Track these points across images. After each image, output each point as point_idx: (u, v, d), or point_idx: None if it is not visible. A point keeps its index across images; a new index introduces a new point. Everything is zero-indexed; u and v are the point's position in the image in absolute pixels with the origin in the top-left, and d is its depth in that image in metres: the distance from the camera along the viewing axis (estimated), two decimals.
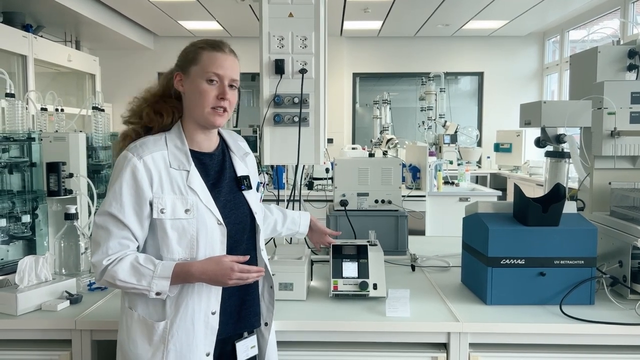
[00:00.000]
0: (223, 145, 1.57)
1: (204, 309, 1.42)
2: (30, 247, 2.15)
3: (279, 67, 2.21)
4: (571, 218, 1.87)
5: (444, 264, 2.35)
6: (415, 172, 5.26)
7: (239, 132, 2.94)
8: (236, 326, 1.51)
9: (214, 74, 1.41)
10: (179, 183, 1.41)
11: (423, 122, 7.60)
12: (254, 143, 4.85)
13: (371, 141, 7.32)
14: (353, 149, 6.78)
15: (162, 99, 1.50)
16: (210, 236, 1.41)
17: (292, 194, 2.41)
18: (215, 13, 7.19)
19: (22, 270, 1.79)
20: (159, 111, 1.49)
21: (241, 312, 1.51)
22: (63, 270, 2.05)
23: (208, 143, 1.51)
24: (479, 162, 8.07)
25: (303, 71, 2.22)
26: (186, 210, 1.39)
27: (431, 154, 5.88)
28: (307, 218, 1.92)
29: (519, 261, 1.80)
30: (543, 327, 1.67)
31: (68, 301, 1.81)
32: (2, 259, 2.05)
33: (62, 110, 2.77)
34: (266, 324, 1.58)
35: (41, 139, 2.26)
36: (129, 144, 1.44)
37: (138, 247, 1.43)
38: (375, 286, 1.87)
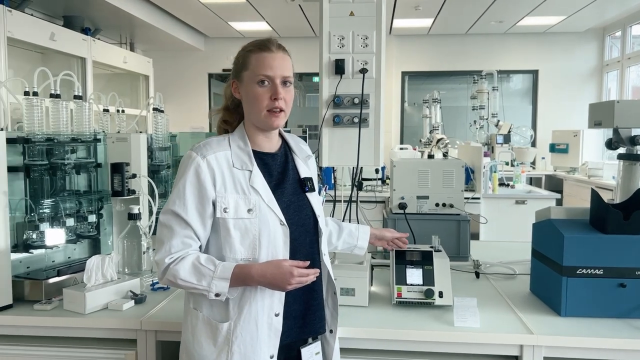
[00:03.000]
0: (285, 146, 1.55)
1: (267, 310, 1.40)
2: (95, 246, 2.19)
3: (339, 67, 2.17)
4: None
5: (510, 271, 2.25)
6: (468, 173, 5.13)
7: (288, 132, 2.92)
8: (301, 331, 1.48)
9: (264, 76, 1.40)
10: (241, 183, 1.40)
11: (475, 122, 7.42)
12: None
13: (420, 141, 7.19)
14: (402, 149, 6.68)
15: (228, 110, 1.53)
16: (272, 236, 1.40)
17: (351, 195, 2.36)
18: (265, 13, 7.23)
19: (90, 269, 1.82)
20: (228, 124, 1.53)
21: (306, 317, 1.49)
22: (126, 270, 2.08)
23: (269, 144, 1.50)
24: (533, 163, 7.81)
25: (364, 71, 2.17)
26: (249, 210, 1.38)
27: (485, 155, 5.73)
28: (366, 231, 1.84)
29: (596, 271, 1.70)
30: (625, 343, 1.56)
31: (133, 301, 1.84)
32: (69, 257, 2.10)
33: (123, 111, 2.83)
34: (331, 331, 1.55)
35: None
36: None
37: (200, 247, 1.42)
38: (441, 294, 1.81)
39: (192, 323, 1.44)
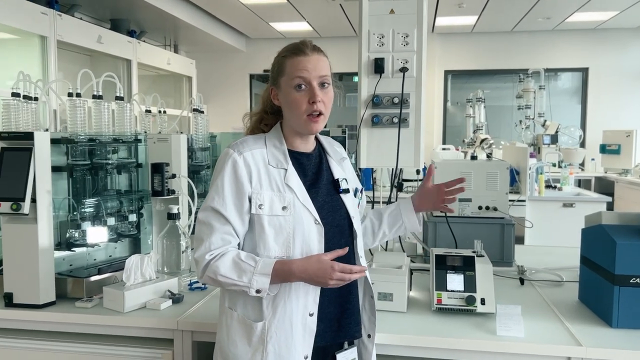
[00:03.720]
0: (319, 148, 1.53)
1: (302, 310, 1.38)
2: (136, 245, 2.22)
3: (378, 66, 2.13)
4: None
5: (557, 278, 2.15)
6: (513, 175, 4.97)
7: (327, 132, 2.89)
8: (336, 335, 1.45)
9: (300, 79, 1.38)
10: (277, 180, 1.39)
11: (520, 122, 7.21)
12: (342, 143, 4.79)
13: (463, 141, 7.05)
14: (445, 149, 6.56)
15: (266, 115, 1.52)
16: (307, 235, 1.38)
17: (390, 196, 2.31)
18: (306, 14, 7.24)
19: (129, 268, 1.84)
20: (265, 127, 1.53)
21: (341, 321, 1.45)
22: (165, 269, 2.10)
23: (305, 145, 1.49)
24: (582, 164, 7.51)
25: (404, 70, 2.13)
26: (283, 208, 1.37)
27: (532, 156, 5.54)
28: (407, 203, 1.67)
29: None
30: None
31: (170, 300, 1.85)
32: (110, 256, 2.14)
33: (164, 112, 2.86)
34: (369, 336, 1.51)
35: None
36: None
37: (239, 245, 1.41)
38: (483, 301, 1.74)
39: (227, 322, 1.44)
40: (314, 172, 1.47)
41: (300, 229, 1.38)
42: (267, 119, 1.53)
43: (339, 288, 1.42)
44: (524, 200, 4.64)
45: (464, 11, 7.08)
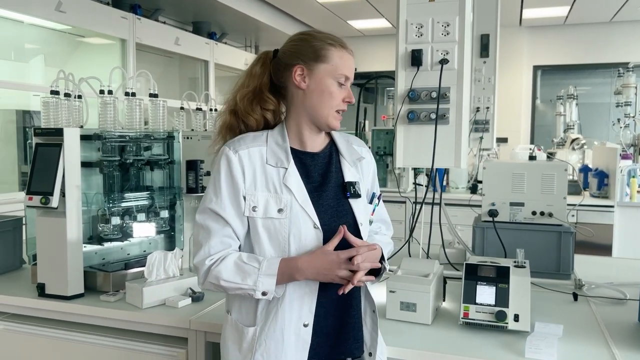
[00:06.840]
0: (332, 147, 1.42)
1: (295, 319, 1.29)
2: (171, 242, 2.24)
3: (415, 58, 1.98)
4: None
5: (619, 295, 1.88)
6: (602, 177, 4.53)
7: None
8: (333, 350, 1.34)
9: (345, 77, 1.33)
10: (274, 180, 1.31)
11: (619, 120, 6.57)
12: None
13: (552, 141, 6.55)
14: (530, 149, 6.13)
15: (265, 93, 1.38)
16: (303, 239, 1.29)
17: (425, 197, 2.15)
18: (383, 10, 7.09)
19: (151, 264, 1.85)
20: (268, 107, 1.38)
21: (340, 336, 1.34)
22: None
23: (311, 143, 1.38)
24: None
25: (444, 61, 1.96)
26: (279, 210, 1.29)
27: (625, 157, 5.00)
28: None
29: None
30: None
31: (190, 298, 1.83)
32: (144, 251, 2.17)
33: (215, 110, 2.89)
34: (370, 354, 1.38)
35: (189, 138, 2.36)
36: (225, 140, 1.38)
37: (240, 247, 1.35)
38: (516, 317, 1.54)
39: (224, 326, 1.40)
40: (320, 173, 1.37)
41: (296, 233, 1.29)
42: (266, 101, 1.37)
43: (339, 300, 1.32)
44: (612, 206, 4.21)
45: (555, 2, 6.58)
